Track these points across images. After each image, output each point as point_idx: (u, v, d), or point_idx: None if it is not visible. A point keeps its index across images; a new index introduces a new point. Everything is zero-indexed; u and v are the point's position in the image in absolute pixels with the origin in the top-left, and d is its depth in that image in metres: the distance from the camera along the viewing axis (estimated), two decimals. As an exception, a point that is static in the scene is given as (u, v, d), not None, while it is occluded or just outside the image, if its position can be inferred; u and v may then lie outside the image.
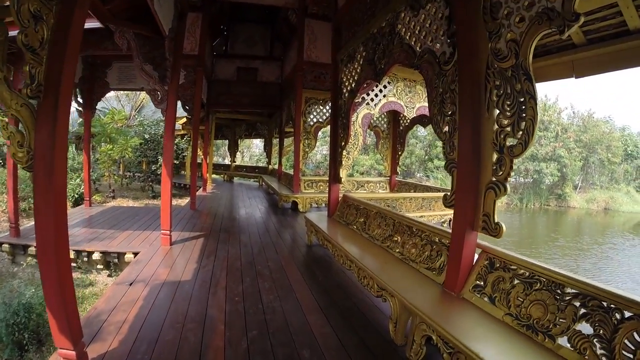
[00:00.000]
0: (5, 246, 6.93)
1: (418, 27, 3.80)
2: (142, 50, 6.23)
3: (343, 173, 6.38)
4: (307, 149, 10.10)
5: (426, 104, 7.99)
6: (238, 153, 25.09)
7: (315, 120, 10.28)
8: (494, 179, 2.69)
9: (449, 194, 3.14)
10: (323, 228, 5.66)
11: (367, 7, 5.29)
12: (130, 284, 4.52)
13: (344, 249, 4.48)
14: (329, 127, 8.21)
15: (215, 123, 17.21)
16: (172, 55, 6.20)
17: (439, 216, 8.91)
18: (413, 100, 8.07)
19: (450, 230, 3.27)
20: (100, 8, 5.65)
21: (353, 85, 5.69)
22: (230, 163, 22.19)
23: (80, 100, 9.66)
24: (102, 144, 16.39)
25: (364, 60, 5.23)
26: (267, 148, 18.88)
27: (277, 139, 16.30)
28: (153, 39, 6.32)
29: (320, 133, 11.09)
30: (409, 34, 3.98)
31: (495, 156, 2.67)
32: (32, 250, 6.84)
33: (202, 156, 15.69)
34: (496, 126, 2.63)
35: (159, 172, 16.46)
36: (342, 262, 4.56)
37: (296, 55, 10.46)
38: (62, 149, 2.45)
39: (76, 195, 13.33)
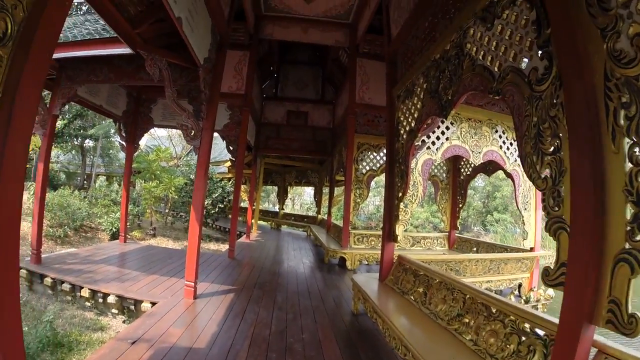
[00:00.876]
0: (23, 272, 6.68)
1: (494, 42, 2.96)
2: (178, 82, 5.80)
3: (399, 229, 5.36)
4: (358, 200, 9.17)
5: (494, 148, 7.04)
6: (288, 200, 24.44)
7: (368, 168, 9.39)
8: (628, 247, 1.68)
9: (551, 267, 2.11)
10: (372, 296, 4.65)
11: (426, 31, 4.55)
12: (133, 343, 3.77)
13: (398, 330, 3.46)
14: (383, 175, 7.36)
15: (265, 168, 16.75)
16: (208, 88, 5.61)
17: (508, 281, 7.57)
18: (479, 144, 6.99)
19: (547, 318, 2.43)
20: (129, 31, 5.20)
21: (412, 124, 4.85)
22: (278, 210, 21.57)
23: (124, 134, 9.36)
24: (147, 180, 16.29)
25: (426, 93, 4.42)
26: (317, 197, 18.14)
27: (328, 188, 15.49)
28: (190, 70, 5.82)
29: (373, 182, 10.13)
30: (482, 52, 3.15)
31: (630, 210, 1.68)
32: (47, 281, 6.49)
33: (248, 201, 15.09)
34: (629, 164, 1.70)
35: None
36: (395, 346, 3.50)
37: (348, 97, 9.84)
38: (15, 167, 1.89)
39: (114, 229, 13.12)
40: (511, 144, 7.19)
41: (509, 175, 7.44)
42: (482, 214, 32.65)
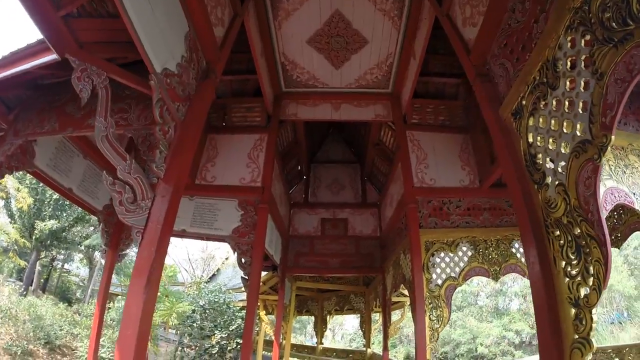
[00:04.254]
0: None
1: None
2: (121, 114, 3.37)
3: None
4: (435, 324, 6.02)
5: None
6: (327, 331, 20.62)
7: (444, 276, 6.38)
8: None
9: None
10: None
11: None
12: None
13: None
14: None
15: (297, 295, 13.71)
16: (172, 121, 3.25)
17: None
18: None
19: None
20: (49, 14, 2.98)
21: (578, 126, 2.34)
22: (316, 344, 17.87)
23: (105, 236, 6.83)
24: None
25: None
26: (365, 326, 14.23)
27: (380, 314, 12.07)
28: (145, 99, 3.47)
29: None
30: None
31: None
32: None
33: (273, 334, 11.77)
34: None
35: (213, 352, 12.64)
36: None
37: (401, 185, 7.46)
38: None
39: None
40: None
41: None
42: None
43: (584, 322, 2.29)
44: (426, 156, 7.30)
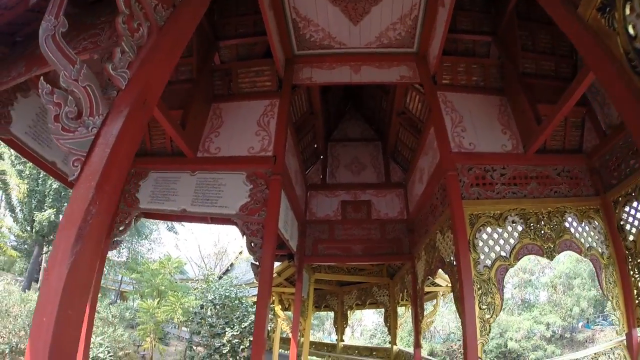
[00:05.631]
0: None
1: None
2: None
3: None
4: (486, 314, 4.99)
5: None
6: (347, 328, 19.60)
7: (493, 255, 5.36)
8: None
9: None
10: None
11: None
12: None
13: None
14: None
15: (315, 289, 12.74)
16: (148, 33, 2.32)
17: None
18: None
19: None
20: None
21: None
22: (336, 342, 16.89)
23: None
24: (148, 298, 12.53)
25: None
26: (391, 321, 13.03)
27: (411, 307, 10.97)
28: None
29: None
30: None
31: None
32: None
33: (290, 331, 10.77)
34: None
35: (224, 351, 11.66)
36: None
37: (432, 156, 6.74)
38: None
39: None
40: None
41: None
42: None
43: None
44: (462, 119, 6.40)
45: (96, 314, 12.54)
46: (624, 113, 2.76)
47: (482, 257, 5.29)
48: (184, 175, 6.09)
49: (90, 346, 10.00)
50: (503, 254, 5.38)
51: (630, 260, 5.58)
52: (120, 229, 6.04)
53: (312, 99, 8.30)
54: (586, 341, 23.06)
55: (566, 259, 24.71)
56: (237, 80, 6.89)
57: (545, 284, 26.83)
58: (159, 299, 13.34)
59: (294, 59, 7.15)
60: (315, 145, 10.26)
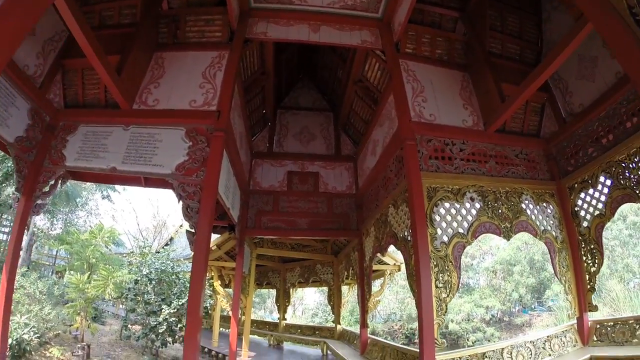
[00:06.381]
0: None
1: None
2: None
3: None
4: (442, 293, 4.72)
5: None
6: (290, 306, 19.25)
7: (451, 231, 5.11)
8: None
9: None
10: None
11: None
12: None
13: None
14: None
15: (257, 265, 12.24)
16: None
17: None
18: None
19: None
20: None
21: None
22: (278, 320, 16.59)
23: (18, 178, 5.05)
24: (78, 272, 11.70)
25: None
26: (334, 300, 12.72)
27: (352, 287, 10.73)
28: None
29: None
30: None
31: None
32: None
33: (230, 309, 10.21)
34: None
35: (161, 330, 11.03)
36: None
37: (388, 127, 6.55)
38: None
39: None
40: None
41: None
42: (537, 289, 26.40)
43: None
44: (423, 89, 6.16)
45: (22, 290, 11.49)
46: (626, 64, 2.51)
47: (439, 232, 5.03)
48: (117, 129, 5.38)
49: (15, 327, 9.00)
50: (461, 230, 5.15)
51: (583, 246, 5.59)
52: (45, 189, 5.27)
53: (264, 57, 7.71)
54: (523, 325, 24.05)
55: (507, 246, 25.51)
56: (185, 29, 6.19)
57: (486, 269, 27.68)
58: (89, 272, 12.36)
59: (250, 12, 6.54)
60: (264, 111, 9.67)
